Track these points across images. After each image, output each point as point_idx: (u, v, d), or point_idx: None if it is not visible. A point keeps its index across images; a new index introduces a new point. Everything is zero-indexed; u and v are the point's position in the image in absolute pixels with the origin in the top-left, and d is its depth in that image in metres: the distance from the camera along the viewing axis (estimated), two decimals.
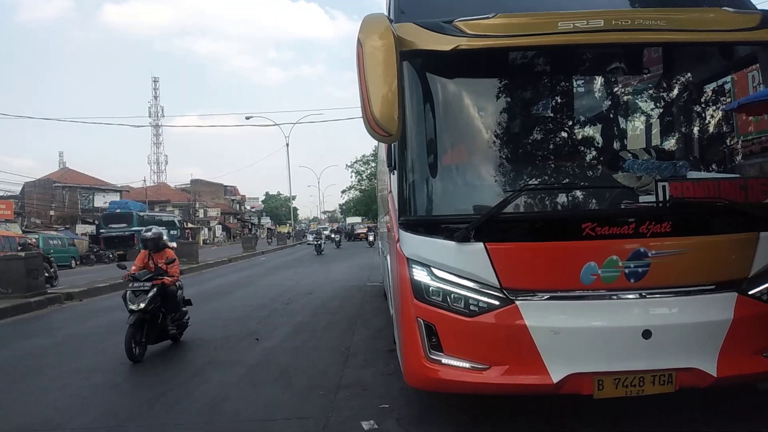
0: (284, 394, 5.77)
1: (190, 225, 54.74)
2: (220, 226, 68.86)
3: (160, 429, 4.97)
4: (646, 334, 3.75)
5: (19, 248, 21.80)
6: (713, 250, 3.83)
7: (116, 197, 55.21)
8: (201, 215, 65.69)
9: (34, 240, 27.56)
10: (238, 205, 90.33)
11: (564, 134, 4.96)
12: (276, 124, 46.50)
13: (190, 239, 41.94)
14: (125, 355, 7.19)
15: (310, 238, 45.44)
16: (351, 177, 65.23)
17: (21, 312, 12.64)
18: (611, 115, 5.02)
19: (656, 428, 4.31)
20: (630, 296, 3.84)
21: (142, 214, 43.87)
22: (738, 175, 4.47)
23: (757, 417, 4.44)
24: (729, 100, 4.59)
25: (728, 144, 4.92)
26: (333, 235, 46.79)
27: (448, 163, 4.40)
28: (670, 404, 4.17)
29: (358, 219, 63.63)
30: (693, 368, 3.78)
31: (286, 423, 4.96)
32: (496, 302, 3.83)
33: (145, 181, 64.37)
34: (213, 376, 6.63)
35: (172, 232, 45.98)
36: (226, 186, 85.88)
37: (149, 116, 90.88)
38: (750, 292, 3.85)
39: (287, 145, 48.51)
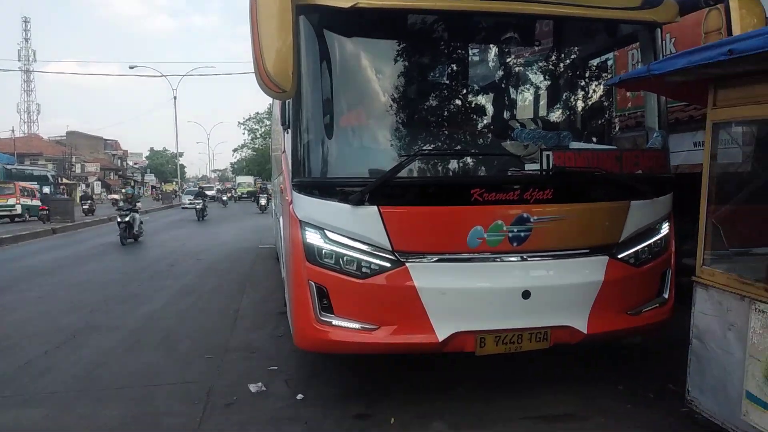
0: (167, 359, 5.55)
1: (65, 180, 50.62)
2: (100, 182, 64.40)
3: (30, 398, 4.62)
4: (526, 294, 3.96)
5: None
6: (589, 216, 4.09)
7: None
8: (78, 170, 61.08)
9: None
10: (119, 161, 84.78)
11: (458, 101, 5.03)
12: (163, 76, 43.87)
13: (65, 195, 38.86)
14: None
15: (185, 200, 37.97)
16: (244, 135, 62.80)
17: None
18: (503, 85, 5.16)
19: (529, 380, 4.60)
20: (512, 259, 4.02)
21: (10, 167, 39.82)
22: (614, 147, 4.77)
23: (622, 369, 4.86)
24: (610, 75, 4.87)
25: (607, 117, 5.23)
26: (220, 195, 42.32)
27: (344, 125, 4.33)
28: (546, 360, 4.47)
29: (249, 179, 61.25)
30: (566, 326, 4.06)
31: (168, 388, 4.78)
32: (388, 264, 3.87)
33: (13, 131, 58.54)
34: (89, 341, 6.23)
35: (44, 187, 42.33)
36: (106, 140, 79.99)
37: (19, 60, 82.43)
38: (619, 256, 4.17)
39: (174, 98, 45.97)
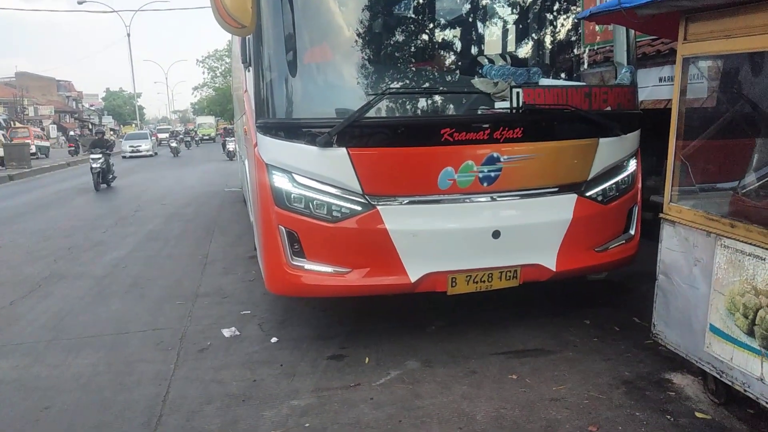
0: (137, 306, 5.50)
1: (18, 124, 48.56)
2: (55, 126, 61.91)
3: None
4: (496, 234, 3.99)
5: None
6: (559, 155, 4.08)
7: None
8: (31, 113, 58.52)
9: None
10: (74, 103, 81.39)
11: (425, 36, 4.88)
12: (114, 11, 41.48)
13: (20, 141, 37.30)
14: None
15: (127, 147, 31.37)
16: (203, 74, 60.57)
17: None
18: (470, 19, 5.01)
19: (499, 317, 4.71)
20: (482, 199, 4.02)
21: None
22: (584, 84, 4.73)
23: (588, 305, 5.01)
24: (579, 9, 4.76)
25: (576, 53, 5.15)
26: (172, 143, 32.82)
27: (309, 62, 4.17)
28: (511, 296, 4.56)
29: (211, 119, 58.66)
30: (535, 264, 4.12)
31: (140, 335, 4.75)
32: (359, 208, 3.83)
33: None
34: (55, 290, 6.12)
35: None
36: (59, 81, 76.38)
37: None
38: (587, 194, 4.20)
39: (128, 35, 43.85)
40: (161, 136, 47.36)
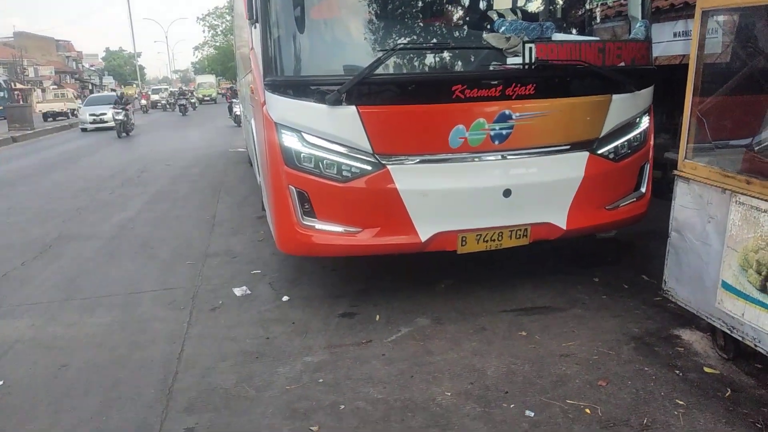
0: (147, 266, 5.54)
1: (19, 86, 48.09)
2: (56, 86, 61.46)
3: (12, 309, 4.61)
4: (507, 193, 3.97)
5: None
6: (571, 111, 4.02)
7: None
8: (31, 74, 57.92)
9: None
10: (74, 63, 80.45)
11: None
12: None
13: (21, 102, 37.09)
14: None
15: (87, 116, 23.53)
16: (204, 32, 59.44)
17: None
18: None
19: (508, 276, 4.73)
20: (493, 158, 3.97)
21: None
22: (597, 39, 4.63)
23: (597, 262, 5.02)
24: None
25: (588, 7, 5.04)
26: (168, 103, 33.43)
27: (317, 18, 4.09)
28: (521, 255, 4.57)
29: (211, 78, 56.61)
30: (546, 222, 4.12)
31: (153, 294, 4.80)
32: (369, 167, 3.80)
33: None
34: (65, 251, 6.17)
35: None
36: (58, 41, 75.30)
37: None
38: (599, 152, 4.16)
39: None
40: (154, 97, 45.24)
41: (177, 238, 6.47)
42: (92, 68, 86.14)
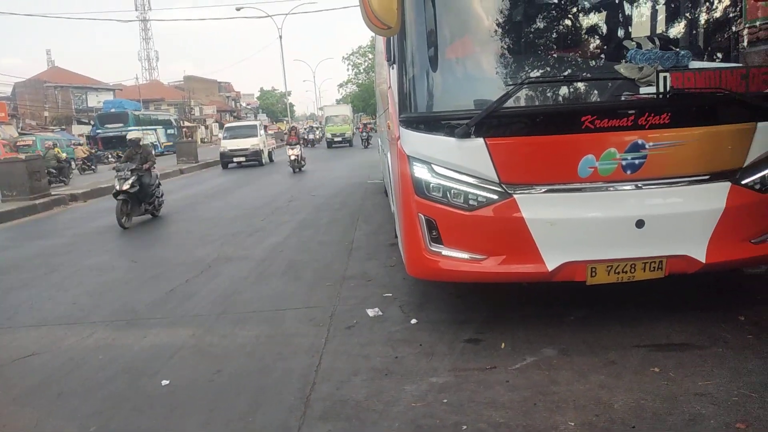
0: (292, 286, 6.05)
1: (186, 123, 53.95)
2: (217, 124, 67.97)
3: (178, 320, 5.27)
4: (640, 223, 3.88)
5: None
6: (710, 141, 3.87)
7: (109, 96, 54.20)
8: (197, 113, 64.68)
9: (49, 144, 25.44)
10: (233, 102, 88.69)
11: (567, 22, 4.82)
12: (268, 16, 44.51)
13: (188, 138, 41.60)
14: (135, 254, 7.46)
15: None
16: (348, 70, 62.88)
17: (27, 214, 12.93)
18: (616, 1, 4.86)
19: (642, 310, 4.56)
20: (625, 188, 3.91)
21: (137, 113, 43.18)
22: (740, 65, 4.41)
23: (744, 299, 4.68)
24: None
25: (734, 31, 4.80)
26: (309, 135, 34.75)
27: (449, 57, 4.34)
28: (657, 288, 4.39)
29: (345, 109, 44.41)
30: (683, 255, 3.94)
31: (295, 312, 5.25)
32: (495, 196, 3.93)
33: (137, 78, 62.97)
34: (223, 270, 6.90)
35: (168, 131, 45.45)
36: (220, 82, 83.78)
37: (135, 9, 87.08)
38: (743, 182, 3.94)
39: (280, 37, 46.69)
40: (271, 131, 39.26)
41: (318, 261, 6.97)
42: (248, 107, 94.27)
